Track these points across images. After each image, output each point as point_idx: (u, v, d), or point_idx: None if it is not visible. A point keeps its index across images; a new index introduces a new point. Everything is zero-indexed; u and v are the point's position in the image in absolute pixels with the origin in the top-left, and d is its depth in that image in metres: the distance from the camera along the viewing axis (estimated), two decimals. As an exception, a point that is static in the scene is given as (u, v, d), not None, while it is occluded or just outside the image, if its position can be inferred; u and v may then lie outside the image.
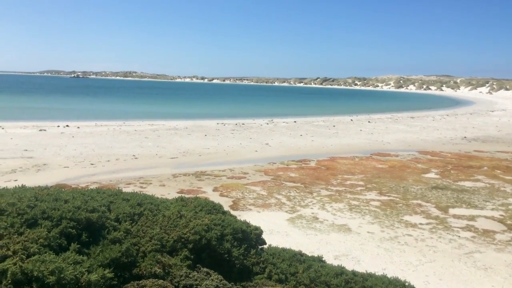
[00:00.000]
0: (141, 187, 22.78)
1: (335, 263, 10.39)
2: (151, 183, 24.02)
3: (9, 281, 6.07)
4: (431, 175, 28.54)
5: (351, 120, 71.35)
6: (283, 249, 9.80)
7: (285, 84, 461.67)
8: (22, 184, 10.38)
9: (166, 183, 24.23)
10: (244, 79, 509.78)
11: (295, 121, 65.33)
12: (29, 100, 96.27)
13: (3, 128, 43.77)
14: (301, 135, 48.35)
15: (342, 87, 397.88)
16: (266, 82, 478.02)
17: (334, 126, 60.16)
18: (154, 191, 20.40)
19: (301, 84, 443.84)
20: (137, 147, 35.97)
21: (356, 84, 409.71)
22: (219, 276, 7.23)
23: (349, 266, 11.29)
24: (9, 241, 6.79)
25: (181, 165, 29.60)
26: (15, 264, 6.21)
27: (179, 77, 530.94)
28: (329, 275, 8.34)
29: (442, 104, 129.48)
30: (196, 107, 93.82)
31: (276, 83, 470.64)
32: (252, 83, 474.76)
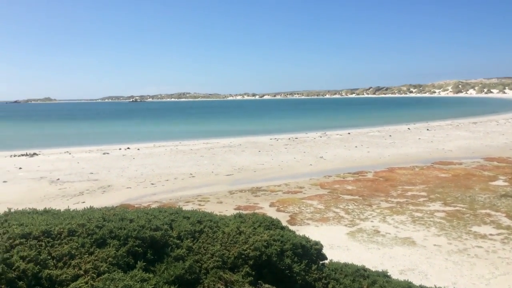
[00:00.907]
0: (199, 204, 23.25)
1: (401, 278, 9.99)
2: (208, 201, 24.45)
3: (82, 299, 6.39)
4: (499, 182, 26.86)
5: (408, 128, 69.02)
6: (345, 264, 9.56)
7: (337, 96, 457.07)
8: (90, 206, 10.95)
9: (223, 200, 24.57)
10: (295, 93, 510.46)
11: (349, 133, 64.24)
12: (92, 125, 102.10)
13: (70, 153, 46.58)
14: (356, 147, 47.41)
15: (397, 95, 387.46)
16: (317, 95, 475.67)
17: (390, 136, 58.46)
18: (212, 208, 20.78)
19: (353, 95, 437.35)
20: (193, 165, 36.88)
21: (411, 92, 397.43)
22: (281, 292, 7.18)
23: (416, 281, 10.79)
24: (80, 260, 7.16)
25: (236, 182, 29.95)
26: (86, 283, 6.53)
27: (230, 95, 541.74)
28: (395, 291, 8.03)
29: (506, 108, 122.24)
30: (248, 123, 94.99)
31: (327, 96, 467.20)
32: (302, 97, 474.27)
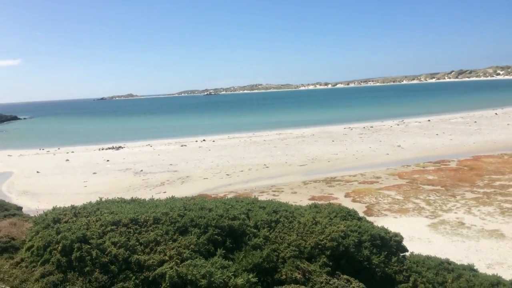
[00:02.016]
0: (274, 194, 23.47)
1: (489, 272, 9.36)
2: (283, 191, 24.60)
3: (168, 284, 6.77)
4: None
5: (496, 114, 64.02)
6: (428, 257, 9.17)
7: (415, 81, 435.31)
8: (172, 196, 11.52)
9: (297, 190, 24.58)
10: (369, 81, 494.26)
11: (428, 120, 61.02)
12: (170, 119, 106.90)
13: (151, 146, 49.27)
14: (437, 134, 44.94)
15: (482, 78, 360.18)
16: (393, 82, 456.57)
17: (475, 122, 54.64)
18: (287, 198, 20.91)
19: (433, 80, 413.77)
20: (267, 156, 37.26)
21: (498, 74, 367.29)
22: (360, 284, 7.06)
23: (506, 276, 10.05)
24: (165, 247, 7.59)
25: (310, 172, 29.79)
26: (171, 268, 6.91)
27: (302, 85, 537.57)
28: (483, 285, 7.55)
29: None
30: (321, 113, 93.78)
31: (404, 82, 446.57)
32: (378, 84, 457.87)
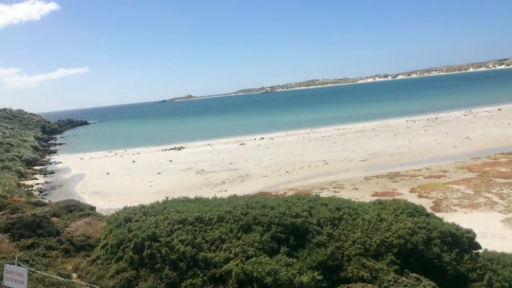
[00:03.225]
0: (335, 191, 23.14)
1: None
2: (344, 187, 24.19)
3: (234, 281, 6.91)
4: None
5: None
6: (503, 254, 8.64)
7: (482, 68, 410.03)
8: (234, 194, 11.73)
9: (359, 186, 24.06)
10: (432, 70, 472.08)
11: (499, 109, 57.26)
12: (228, 118, 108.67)
13: (211, 146, 50.41)
14: (508, 124, 42.06)
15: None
16: (459, 70, 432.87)
17: (552, 108, 50.57)
18: (348, 194, 20.53)
19: (502, 66, 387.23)
20: (326, 152, 36.80)
21: None
22: (431, 282, 6.78)
23: None
24: (230, 244, 7.75)
25: (372, 167, 29.04)
26: (237, 265, 7.05)
27: (360, 78, 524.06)
28: None
29: None
30: (380, 106, 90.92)
31: (470, 69, 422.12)
32: (441, 73, 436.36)
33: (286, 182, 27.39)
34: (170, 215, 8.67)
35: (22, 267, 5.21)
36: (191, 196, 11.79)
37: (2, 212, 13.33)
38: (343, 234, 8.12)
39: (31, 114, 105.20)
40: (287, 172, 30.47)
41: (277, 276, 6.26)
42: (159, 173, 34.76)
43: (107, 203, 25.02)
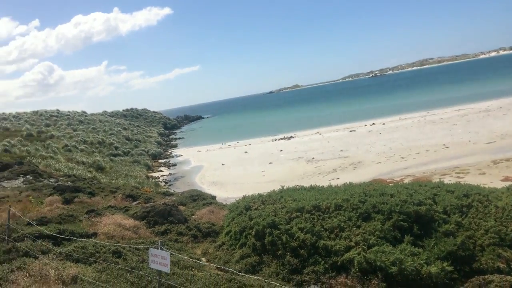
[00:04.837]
0: (458, 177, 21.44)
1: None
2: (468, 172, 22.29)
3: (357, 269, 6.83)
4: None
5: None
6: None
7: None
8: (349, 182, 11.54)
9: (486, 171, 21.96)
10: None
11: None
12: (334, 105, 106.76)
13: (320, 134, 50.12)
14: None
15: None
16: None
17: None
18: (474, 180, 18.92)
19: None
20: (446, 135, 34.24)
21: None
22: None
23: None
24: (349, 233, 7.66)
25: (500, 150, 26.26)
26: (359, 254, 6.95)
27: (482, 53, 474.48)
28: None
29: None
30: (506, 82, 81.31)
31: None
32: None
33: (402, 169, 26.12)
34: (287, 204, 8.86)
35: (165, 250, 5.77)
36: (304, 184, 11.88)
37: (137, 202, 14.90)
38: (474, 223, 7.53)
39: (154, 112, 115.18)
40: (402, 158, 29.03)
41: (403, 266, 6.03)
42: (270, 163, 35.63)
43: (224, 192, 26.41)
